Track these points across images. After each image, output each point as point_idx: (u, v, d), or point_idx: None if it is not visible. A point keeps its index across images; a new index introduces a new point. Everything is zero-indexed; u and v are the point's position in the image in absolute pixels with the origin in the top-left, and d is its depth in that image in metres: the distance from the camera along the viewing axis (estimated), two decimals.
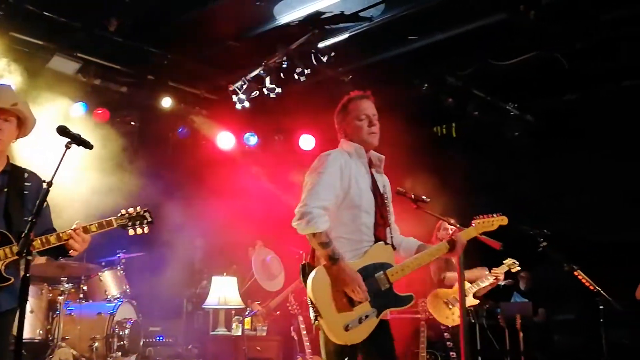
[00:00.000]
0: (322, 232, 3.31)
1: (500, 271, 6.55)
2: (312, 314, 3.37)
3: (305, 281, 3.42)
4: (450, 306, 6.50)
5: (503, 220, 4.06)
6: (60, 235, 3.51)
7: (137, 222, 3.71)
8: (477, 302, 6.66)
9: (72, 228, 3.54)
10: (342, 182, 3.46)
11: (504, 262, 6.61)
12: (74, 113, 7.75)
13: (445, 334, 6.36)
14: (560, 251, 5.80)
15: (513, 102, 8.09)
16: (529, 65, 7.01)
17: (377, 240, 3.53)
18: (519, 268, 6.71)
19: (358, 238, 3.50)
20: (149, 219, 3.74)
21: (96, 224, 3.60)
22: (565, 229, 7.27)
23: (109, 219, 3.66)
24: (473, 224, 3.95)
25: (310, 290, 3.35)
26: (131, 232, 3.71)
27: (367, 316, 3.35)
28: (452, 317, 6.45)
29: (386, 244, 3.56)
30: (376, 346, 3.43)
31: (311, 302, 3.36)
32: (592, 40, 6.61)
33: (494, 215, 4.05)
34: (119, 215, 3.69)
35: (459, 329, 6.39)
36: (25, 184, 3.67)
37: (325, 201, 3.37)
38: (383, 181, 3.76)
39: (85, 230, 3.56)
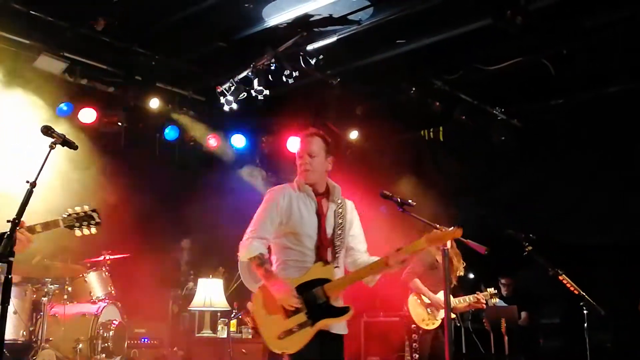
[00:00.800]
0: (256, 255, 3.79)
1: (482, 298, 6.63)
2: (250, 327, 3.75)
3: None
4: (429, 310, 6.47)
5: (456, 233, 3.82)
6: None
7: (85, 223, 3.53)
8: (453, 316, 6.66)
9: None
10: (279, 213, 3.88)
11: (488, 289, 6.73)
12: (60, 113, 7.70)
13: (414, 335, 6.34)
14: (545, 255, 5.83)
15: (500, 106, 8.14)
16: (516, 70, 7.05)
17: (318, 260, 3.84)
18: (497, 300, 6.87)
19: (302, 259, 3.86)
20: (97, 220, 3.57)
21: (41, 224, 3.43)
22: (551, 233, 7.32)
23: (55, 219, 3.49)
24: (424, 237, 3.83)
25: (251, 306, 3.83)
26: (78, 233, 3.55)
27: (301, 326, 3.66)
28: (427, 321, 6.44)
29: (326, 263, 3.85)
30: (321, 355, 3.72)
31: (252, 317, 3.81)
32: (579, 45, 6.66)
33: (450, 228, 3.81)
34: (65, 215, 3.52)
35: (428, 333, 6.37)
36: None
37: (260, 232, 3.85)
38: (342, 207, 4.06)
39: (30, 229, 3.37)
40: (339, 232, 3.95)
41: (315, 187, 3.98)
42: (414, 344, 6.35)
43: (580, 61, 6.84)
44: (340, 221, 3.98)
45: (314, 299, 3.72)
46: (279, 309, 3.69)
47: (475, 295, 6.65)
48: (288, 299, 3.65)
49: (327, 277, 3.79)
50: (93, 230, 3.58)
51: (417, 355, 6.30)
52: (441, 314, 6.40)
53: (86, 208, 3.58)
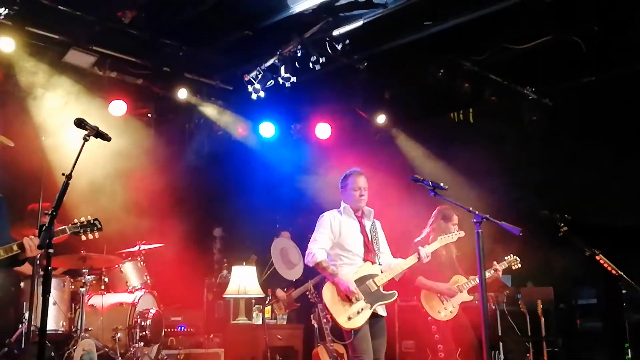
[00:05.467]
0: (321, 260, 5.18)
1: (500, 267, 6.37)
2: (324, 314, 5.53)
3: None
4: (444, 301, 6.24)
5: None
6: (18, 244, 3.79)
7: (88, 229, 4.14)
8: (471, 298, 6.27)
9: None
10: (332, 230, 5.35)
11: (506, 258, 6.45)
12: (92, 106, 7.78)
13: (433, 327, 6.15)
14: (580, 236, 5.75)
15: (530, 86, 8.01)
16: (546, 49, 6.93)
17: (366, 261, 5.34)
18: (519, 265, 6.53)
19: (352, 262, 5.33)
20: (99, 226, 4.20)
21: None
22: (584, 214, 7.19)
23: (63, 227, 4.04)
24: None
25: (323, 299, 5.14)
26: (83, 237, 4.17)
27: (362, 309, 5.08)
28: (444, 312, 6.20)
29: (372, 263, 5.34)
30: (370, 330, 5.15)
31: (325, 306, 5.13)
32: (610, 22, 6.51)
33: None
34: (71, 224, 4.10)
35: (445, 324, 6.19)
36: None
37: (321, 243, 5.29)
38: (372, 225, 5.54)
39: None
40: (375, 241, 5.43)
41: (358, 211, 5.47)
42: (435, 335, 6.16)
43: (611, 37, 6.69)
44: (374, 233, 5.49)
45: (368, 289, 5.15)
46: (343, 297, 5.07)
47: (493, 267, 6.32)
48: (352, 292, 5.03)
49: (375, 273, 5.25)
50: (96, 235, 4.22)
51: (441, 346, 6.11)
52: (454, 301, 6.24)
53: (89, 217, 4.19)
